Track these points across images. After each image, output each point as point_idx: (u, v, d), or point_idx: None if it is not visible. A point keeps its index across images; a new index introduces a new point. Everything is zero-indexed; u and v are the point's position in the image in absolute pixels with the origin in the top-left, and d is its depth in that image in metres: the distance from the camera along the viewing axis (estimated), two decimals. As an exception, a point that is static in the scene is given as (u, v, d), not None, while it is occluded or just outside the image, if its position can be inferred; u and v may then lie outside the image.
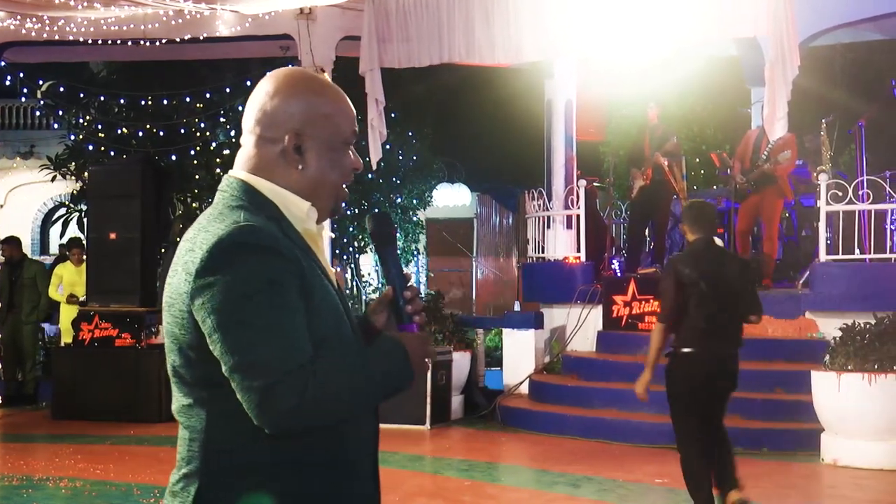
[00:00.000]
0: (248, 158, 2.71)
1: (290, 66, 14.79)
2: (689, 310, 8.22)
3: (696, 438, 8.28)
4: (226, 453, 2.57)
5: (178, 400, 2.65)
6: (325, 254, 2.79)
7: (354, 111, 2.79)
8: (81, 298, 15.69)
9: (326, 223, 15.07)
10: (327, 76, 13.91)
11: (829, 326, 12.30)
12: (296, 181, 2.69)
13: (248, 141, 2.72)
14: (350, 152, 2.76)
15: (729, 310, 8.36)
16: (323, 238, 2.82)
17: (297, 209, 2.68)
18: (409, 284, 2.78)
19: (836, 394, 10.88)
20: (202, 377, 2.58)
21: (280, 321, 2.48)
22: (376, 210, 23.85)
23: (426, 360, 2.70)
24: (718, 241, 9.14)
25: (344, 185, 2.77)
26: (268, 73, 2.79)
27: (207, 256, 2.51)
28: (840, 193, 13.00)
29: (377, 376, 2.59)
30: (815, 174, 13.98)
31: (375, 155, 14.47)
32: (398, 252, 2.85)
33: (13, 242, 16.57)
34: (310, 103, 2.70)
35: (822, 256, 13.10)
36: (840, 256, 13.11)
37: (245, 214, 2.59)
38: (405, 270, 2.81)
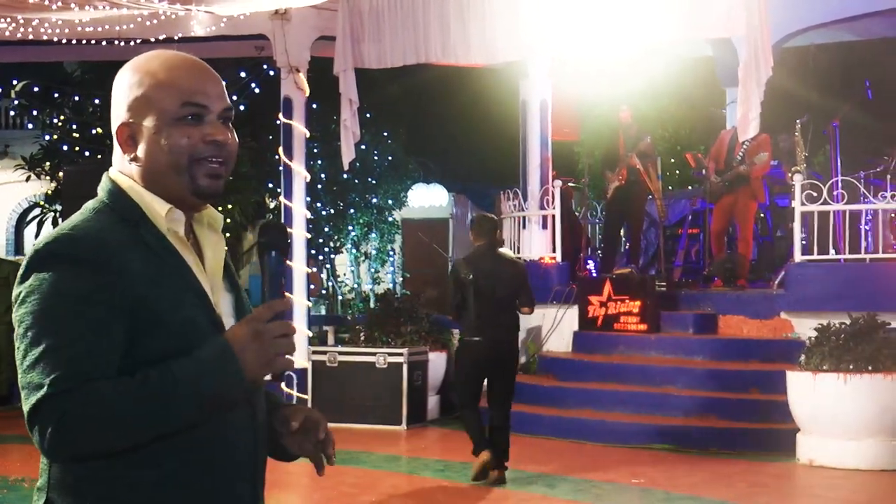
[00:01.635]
0: (114, 157, 2.60)
1: (265, 66, 14.72)
2: (468, 304, 10.16)
3: (473, 406, 10.29)
4: (71, 468, 2.43)
5: None
6: (215, 252, 2.62)
7: (195, 78, 2.56)
8: None
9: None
10: (302, 76, 13.82)
11: (805, 327, 12.33)
12: (137, 175, 2.54)
13: (114, 139, 2.60)
14: (195, 126, 2.52)
15: (501, 304, 10.21)
16: (212, 235, 2.63)
17: (156, 212, 2.52)
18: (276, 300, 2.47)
19: (811, 394, 10.93)
20: None
21: (71, 338, 2.32)
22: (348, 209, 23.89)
23: (275, 357, 2.41)
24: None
25: (205, 159, 2.53)
26: None
27: (24, 267, 2.41)
28: (815, 194, 13.03)
29: (188, 388, 2.35)
30: (789, 175, 14.02)
31: (348, 156, 14.42)
32: (281, 266, 2.57)
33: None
34: (127, 90, 2.54)
35: (798, 257, 13.13)
36: (815, 257, 13.14)
37: (83, 218, 2.48)
38: (285, 295, 2.52)
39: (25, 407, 2.32)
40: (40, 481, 2.50)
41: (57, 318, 2.34)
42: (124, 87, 2.55)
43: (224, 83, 2.63)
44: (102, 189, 2.56)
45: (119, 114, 2.55)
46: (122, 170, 2.57)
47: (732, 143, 14.30)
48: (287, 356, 2.45)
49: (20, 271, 2.42)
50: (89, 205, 2.53)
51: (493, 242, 10.48)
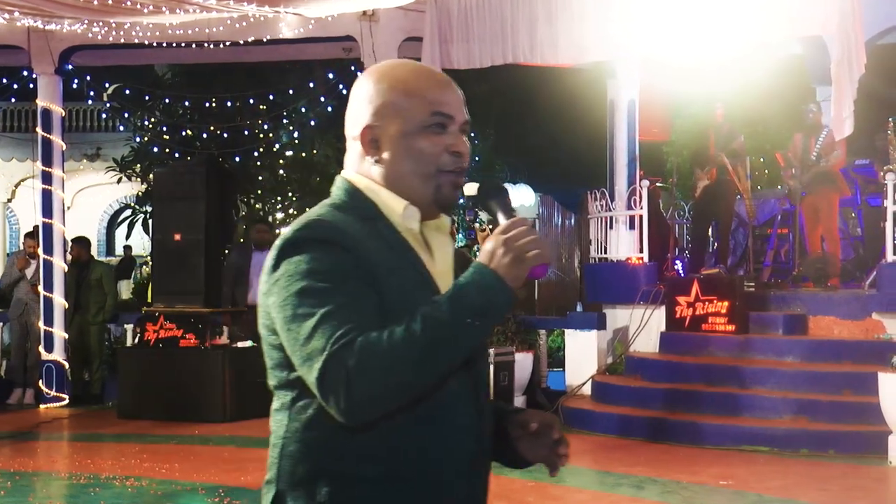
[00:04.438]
0: (348, 159, 2.70)
1: (352, 67, 14.85)
2: None
3: None
4: (302, 461, 2.51)
5: (273, 404, 2.61)
6: (445, 255, 2.68)
7: (441, 89, 2.66)
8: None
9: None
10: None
11: (897, 328, 12.18)
12: (379, 177, 2.62)
13: (348, 141, 2.70)
14: (439, 136, 2.62)
15: None
16: (441, 237, 2.69)
17: (393, 210, 2.60)
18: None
19: (904, 396, 10.76)
20: (286, 381, 2.54)
21: (340, 303, 2.40)
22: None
23: (525, 255, 2.44)
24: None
25: (449, 171, 2.62)
26: None
27: (274, 255, 2.51)
28: (908, 192, 12.86)
29: (455, 306, 2.40)
30: (882, 174, 13.84)
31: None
32: (507, 198, 2.63)
33: (82, 243, 16.77)
34: (375, 94, 2.62)
35: (890, 257, 12.95)
36: (908, 257, 12.97)
37: (324, 211, 2.57)
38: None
39: (312, 376, 2.38)
40: (269, 474, 2.57)
41: (323, 291, 2.42)
42: (370, 92, 2.64)
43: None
44: (339, 189, 2.65)
45: (361, 117, 2.64)
46: (359, 171, 2.66)
47: (805, 143, 14.24)
48: (540, 252, 2.46)
49: (270, 262, 2.51)
50: (326, 202, 2.63)
51: None
